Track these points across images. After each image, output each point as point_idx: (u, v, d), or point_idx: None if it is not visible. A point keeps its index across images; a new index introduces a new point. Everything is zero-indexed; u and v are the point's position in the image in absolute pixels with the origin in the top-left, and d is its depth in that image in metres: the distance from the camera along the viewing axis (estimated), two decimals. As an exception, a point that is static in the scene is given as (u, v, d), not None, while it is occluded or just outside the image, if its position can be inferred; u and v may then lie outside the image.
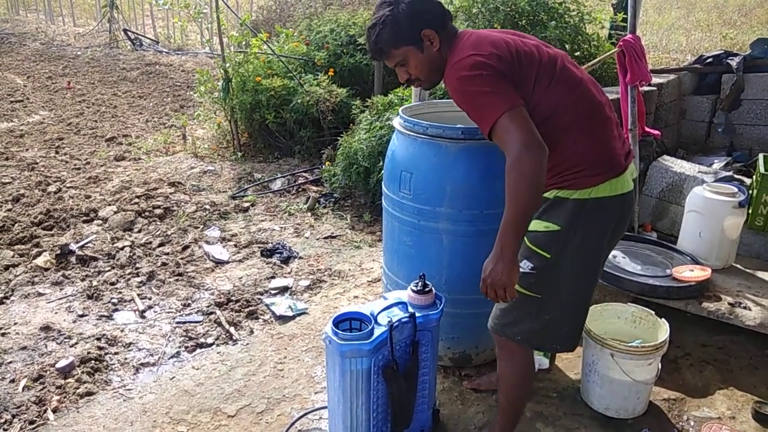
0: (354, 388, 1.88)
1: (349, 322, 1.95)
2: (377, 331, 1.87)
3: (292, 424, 2.23)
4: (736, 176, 3.58)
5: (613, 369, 2.19)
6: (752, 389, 2.45)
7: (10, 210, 4.05)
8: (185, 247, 3.63)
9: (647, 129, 3.56)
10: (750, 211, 3.17)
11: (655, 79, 4.24)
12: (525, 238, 1.75)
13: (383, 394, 1.95)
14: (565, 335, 1.86)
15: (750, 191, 3.23)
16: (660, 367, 2.28)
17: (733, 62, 4.46)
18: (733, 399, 2.40)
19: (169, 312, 2.99)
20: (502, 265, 1.63)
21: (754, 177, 3.32)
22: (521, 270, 1.73)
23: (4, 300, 3.05)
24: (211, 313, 2.96)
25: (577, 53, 4.68)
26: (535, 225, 1.74)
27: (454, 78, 1.68)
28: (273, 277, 3.31)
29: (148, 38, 10.32)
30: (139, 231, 3.83)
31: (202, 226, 3.91)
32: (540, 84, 1.68)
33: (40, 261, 3.38)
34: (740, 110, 4.52)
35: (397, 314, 1.95)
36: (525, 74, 1.67)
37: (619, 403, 2.26)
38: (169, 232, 3.80)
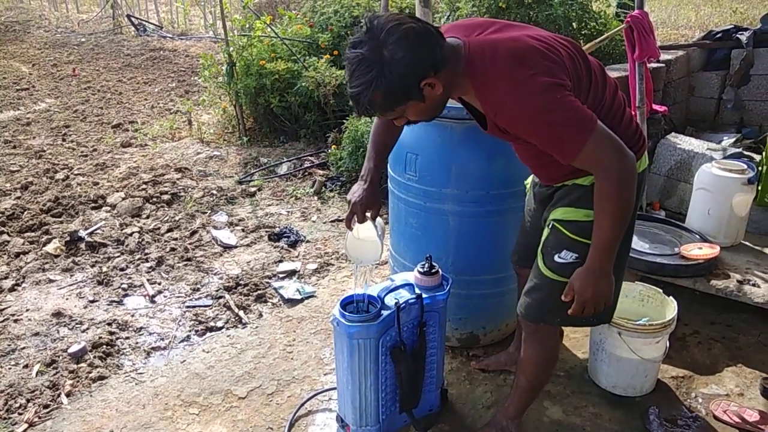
0: (362, 369, 1.90)
1: (356, 304, 1.96)
2: (384, 313, 1.88)
3: (302, 404, 2.26)
4: (745, 153, 3.55)
5: (620, 347, 2.19)
6: (760, 366, 2.45)
7: (19, 198, 4.07)
8: (193, 233, 3.65)
9: (653, 106, 3.52)
10: (759, 188, 3.14)
11: (664, 56, 4.18)
12: (564, 230, 1.71)
13: (391, 374, 1.97)
14: (605, 310, 1.81)
15: (759, 168, 3.20)
16: (668, 345, 2.28)
17: (743, 37, 4.39)
18: (742, 376, 2.40)
19: (178, 297, 3.01)
20: (606, 282, 1.62)
21: (763, 153, 3.29)
22: (563, 261, 1.70)
23: (15, 287, 3.09)
24: (220, 297, 2.99)
25: (585, 31, 4.62)
26: (574, 214, 1.70)
27: (520, 107, 1.48)
28: (281, 261, 3.33)
29: (151, 23, 10.26)
30: (148, 217, 3.85)
31: (209, 211, 3.92)
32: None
33: (50, 248, 3.41)
34: (750, 86, 4.46)
35: (404, 296, 1.96)
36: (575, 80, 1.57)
37: (626, 381, 2.26)
38: (177, 218, 3.82)
